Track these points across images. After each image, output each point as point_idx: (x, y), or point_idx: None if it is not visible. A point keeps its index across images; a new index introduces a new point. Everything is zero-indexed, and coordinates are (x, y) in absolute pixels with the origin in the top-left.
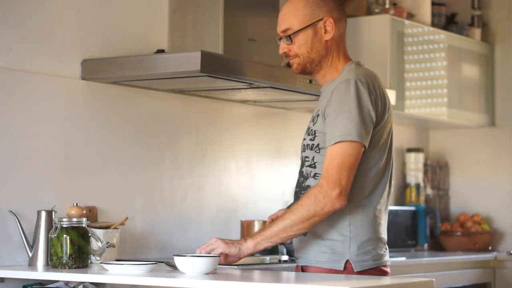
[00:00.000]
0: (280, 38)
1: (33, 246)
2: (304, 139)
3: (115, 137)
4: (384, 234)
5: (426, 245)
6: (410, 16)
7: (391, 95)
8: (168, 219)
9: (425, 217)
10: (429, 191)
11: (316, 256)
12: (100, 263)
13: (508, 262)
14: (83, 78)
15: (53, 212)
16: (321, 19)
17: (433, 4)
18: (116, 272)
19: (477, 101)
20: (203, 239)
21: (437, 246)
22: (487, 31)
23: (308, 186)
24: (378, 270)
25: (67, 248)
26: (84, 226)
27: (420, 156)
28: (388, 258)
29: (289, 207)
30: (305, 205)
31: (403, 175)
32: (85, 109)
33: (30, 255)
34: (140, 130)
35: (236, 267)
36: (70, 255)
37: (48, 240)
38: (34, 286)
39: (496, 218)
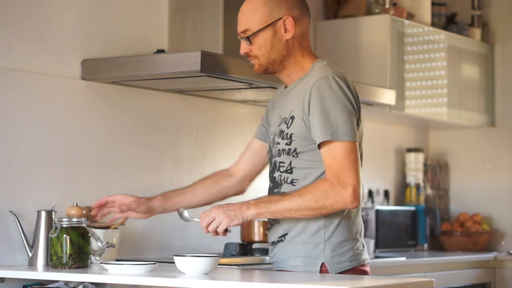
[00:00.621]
0: (241, 38)
1: (33, 246)
2: (278, 143)
3: (115, 137)
4: (360, 234)
5: (426, 245)
6: (410, 16)
7: (391, 95)
8: (168, 219)
9: (425, 217)
10: (429, 191)
11: (291, 261)
12: (100, 263)
13: (508, 262)
14: (83, 78)
15: (53, 212)
16: (280, 18)
17: (433, 4)
18: (116, 272)
19: (477, 101)
20: (203, 239)
21: (437, 246)
22: (487, 31)
23: (284, 193)
24: (355, 271)
25: (67, 248)
26: (84, 226)
27: (420, 156)
28: (366, 257)
29: None
30: (315, 196)
31: (403, 175)
32: (85, 109)
33: (30, 255)
34: (140, 130)
35: (236, 267)
36: (70, 255)
37: (48, 240)
38: (34, 286)
39: (496, 218)
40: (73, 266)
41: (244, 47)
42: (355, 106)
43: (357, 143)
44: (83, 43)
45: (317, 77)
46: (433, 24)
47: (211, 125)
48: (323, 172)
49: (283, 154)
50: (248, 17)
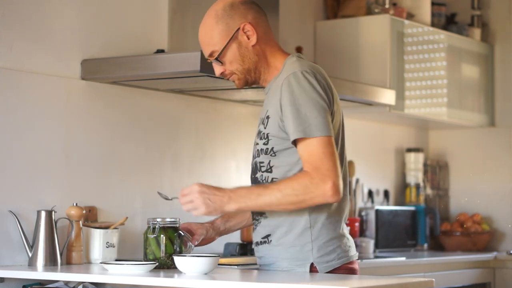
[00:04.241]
0: (211, 61)
1: (33, 246)
2: (257, 143)
3: (115, 137)
4: (345, 230)
5: (426, 245)
6: (410, 16)
7: (391, 95)
8: None
9: (425, 217)
10: (429, 191)
11: (279, 264)
12: (100, 263)
13: (508, 262)
14: (83, 78)
15: (53, 212)
16: (239, 28)
17: (433, 4)
18: (116, 272)
19: (477, 101)
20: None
21: (437, 246)
22: (487, 31)
23: (264, 184)
24: (344, 269)
25: (165, 247)
26: (177, 226)
27: (420, 156)
28: (354, 253)
29: None
30: (295, 190)
31: (403, 175)
32: (85, 109)
33: (30, 255)
34: (140, 130)
35: (236, 267)
36: (170, 254)
37: (144, 240)
38: (34, 286)
39: (496, 218)
40: (172, 266)
41: (217, 68)
42: (327, 100)
43: (332, 138)
44: (83, 43)
45: (287, 74)
46: (433, 24)
47: (211, 125)
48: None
49: (262, 154)
50: (208, 40)
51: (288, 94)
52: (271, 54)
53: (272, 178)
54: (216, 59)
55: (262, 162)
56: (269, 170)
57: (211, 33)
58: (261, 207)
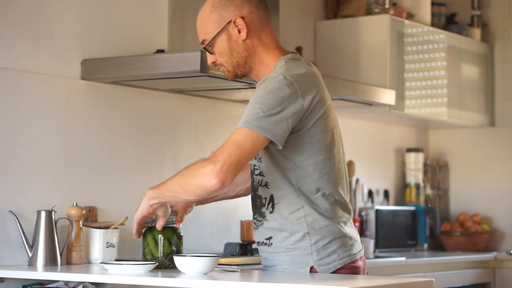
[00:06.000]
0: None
1: (33, 246)
2: None
3: (115, 137)
4: (347, 229)
5: (426, 245)
6: (410, 16)
7: (391, 95)
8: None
9: (425, 217)
10: (429, 191)
11: (281, 266)
12: (100, 263)
13: (508, 262)
14: (83, 78)
15: (53, 212)
16: (230, 21)
17: (433, 4)
18: (116, 272)
19: (476, 101)
20: (203, 239)
21: (437, 246)
22: (487, 31)
23: (260, 196)
24: (346, 268)
25: (163, 247)
26: (176, 226)
27: (420, 156)
28: (357, 250)
29: None
30: (186, 172)
31: (403, 175)
32: (85, 109)
33: (30, 255)
34: (140, 130)
35: (236, 267)
36: (168, 254)
37: (142, 240)
38: (34, 286)
39: (496, 218)
40: (170, 266)
41: (209, 57)
42: (292, 111)
43: (263, 138)
44: (83, 43)
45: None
46: (433, 24)
47: (211, 125)
48: (289, 177)
49: (253, 158)
50: (202, 28)
51: (256, 91)
52: (264, 50)
53: (266, 182)
54: (205, 48)
55: (255, 165)
56: (262, 174)
57: (205, 20)
58: (163, 193)
